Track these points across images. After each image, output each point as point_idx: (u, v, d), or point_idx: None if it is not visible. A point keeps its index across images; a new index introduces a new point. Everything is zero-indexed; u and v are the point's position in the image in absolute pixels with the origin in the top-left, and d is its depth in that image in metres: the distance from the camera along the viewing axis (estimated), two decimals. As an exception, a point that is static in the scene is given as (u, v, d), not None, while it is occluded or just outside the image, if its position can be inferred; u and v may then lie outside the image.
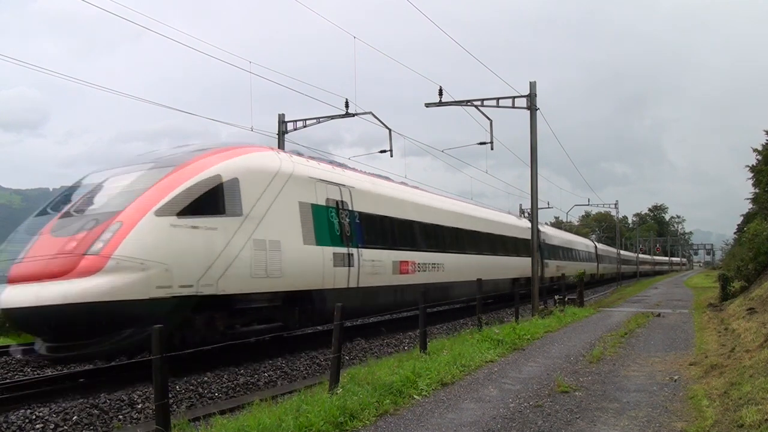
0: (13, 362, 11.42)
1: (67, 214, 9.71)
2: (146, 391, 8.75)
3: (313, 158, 14.76)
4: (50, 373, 10.44)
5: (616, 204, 60.04)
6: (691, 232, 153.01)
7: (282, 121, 22.94)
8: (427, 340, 11.28)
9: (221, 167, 10.67)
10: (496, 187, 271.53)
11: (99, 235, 8.88)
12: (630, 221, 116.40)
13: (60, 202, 10.39)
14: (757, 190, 29.85)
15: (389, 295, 15.73)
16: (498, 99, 20.16)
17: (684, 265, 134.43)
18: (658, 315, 19.17)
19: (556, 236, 38.38)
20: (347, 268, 13.77)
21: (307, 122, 22.89)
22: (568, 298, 22.92)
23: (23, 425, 7.29)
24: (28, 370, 10.91)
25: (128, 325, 9.10)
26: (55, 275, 8.55)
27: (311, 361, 12.01)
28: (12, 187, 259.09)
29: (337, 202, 13.87)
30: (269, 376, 10.62)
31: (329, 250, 13.13)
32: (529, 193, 20.93)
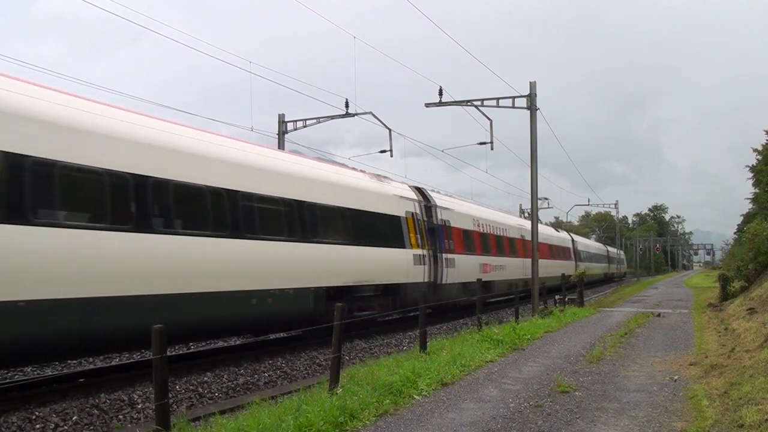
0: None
1: None
2: (146, 391, 8.75)
3: None
4: (50, 373, 10.45)
5: (616, 204, 60.23)
6: (691, 232, 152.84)
7: (282, 121, 22.96)
8: (427, 340, 11.29)
9: None
10: (496, 187, 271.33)
11: None
12: (630, 221, 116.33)
13: None
14: (757, 190, 29.94)
15: None
16: (498, 99, 20.20)
17: (619, 263, 69.79)
18: (658, 315, 19.17)
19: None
20: None
21: (307, 122, 22.92)
22: (568, 298, 22.93)
23: (23, 425, 7.30)
24: (28, 369, 10.90)
25: None
26: None
27: (311, 361, 12.01)
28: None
29: None
30: (269, 376, 10.62)
31: None
32: (529, 192, 20.94)
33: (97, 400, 8.33)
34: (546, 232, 34.59)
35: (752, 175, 29.38)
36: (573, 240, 42.19)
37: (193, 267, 10.09)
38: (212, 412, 7.42)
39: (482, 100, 20.38)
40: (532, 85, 20.10)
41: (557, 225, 65.86)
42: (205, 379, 9.94)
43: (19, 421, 7.37)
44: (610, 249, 65.64)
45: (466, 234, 21.29)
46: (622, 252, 75.25)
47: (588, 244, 52.94)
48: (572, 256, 40.09)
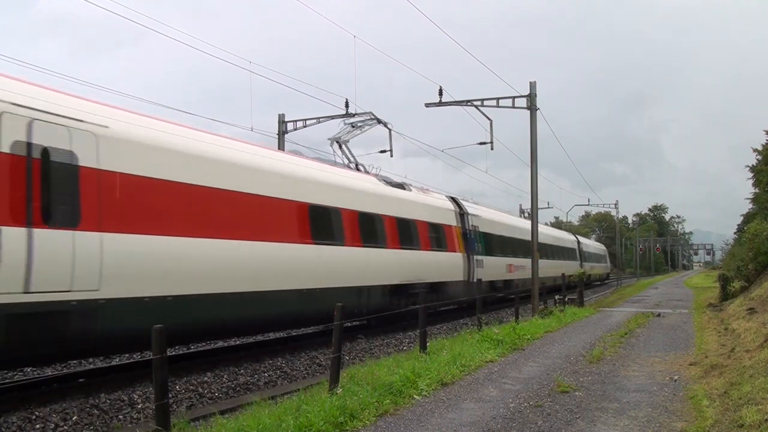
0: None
1: None
2: (146, 391, 8.75)
3: None
4: (50, 374, 10.44)
5: (616, 204, 60.04)
6: (691, 232, 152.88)
7: (282, 121, 22.95)
8: (427, 340, 11.28)
9: None
10: (496, 187, 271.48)
11: None
12: (630, 221, 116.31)
13: None
14: (757, 190, 29.95)
15: None
16: (498, 99, 20.19)
17: (601, 262, 55.30)
18: (658, 315, 19.17)
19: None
20: None
21: (307, 122, 22.91)
22: (568, 299, 22.94)
23: (23, 425, 7.29)
24: (28, 369, 10.90)
25: None
26: None
27: (311, 361, 12.01)
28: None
29: None
30: (269, 376, 10.62)
31: None
32: (529, 192, 20.92)
33: (97, 400, 8.33)
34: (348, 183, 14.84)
35: (752, 175, 29.40)
36: (463, 213, 21.22)
37: None
38: (212, 412, 7.42)
39: (482, 100, 20.37)
40: (532, 85, 20.09)
41: (557, 225, 65.25)
42: (205, 379, 9.94)
43: (19, 421, 7.37)
44: (585, 241, 49.50)
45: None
46: (603, 246, 61.45)
47: (519, 226, 28.40)
48: (455, 243, 19.95)
